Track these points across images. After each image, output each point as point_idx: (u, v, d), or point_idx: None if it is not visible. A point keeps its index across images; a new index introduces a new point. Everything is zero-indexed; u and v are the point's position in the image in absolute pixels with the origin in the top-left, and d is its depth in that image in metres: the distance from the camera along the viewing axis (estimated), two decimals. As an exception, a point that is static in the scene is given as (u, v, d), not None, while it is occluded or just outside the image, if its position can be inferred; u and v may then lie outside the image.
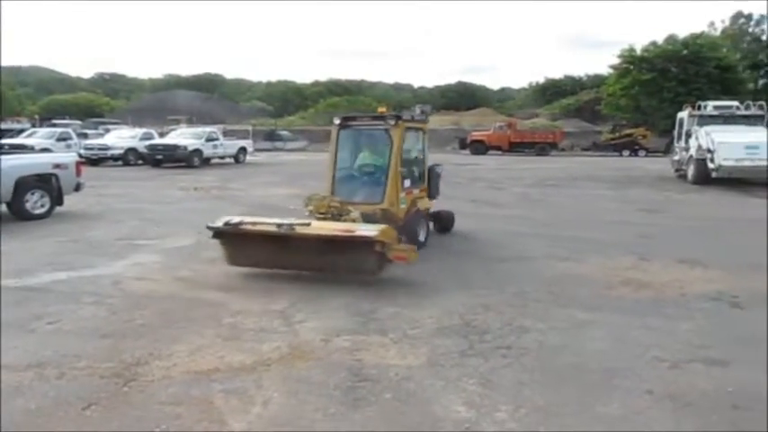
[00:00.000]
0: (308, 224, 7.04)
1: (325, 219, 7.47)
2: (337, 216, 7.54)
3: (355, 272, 6.91)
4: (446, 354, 4.72)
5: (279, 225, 6.91)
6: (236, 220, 7.20)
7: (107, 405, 3.86)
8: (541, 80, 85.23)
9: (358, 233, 6.67)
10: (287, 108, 76.42)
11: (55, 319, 5.52)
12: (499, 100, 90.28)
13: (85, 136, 31.58)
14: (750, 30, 65.98)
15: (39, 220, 11.14)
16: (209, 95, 76.80)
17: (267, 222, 7.16)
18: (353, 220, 7.36)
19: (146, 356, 4.63)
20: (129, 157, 27.69)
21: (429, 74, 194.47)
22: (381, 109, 9.75)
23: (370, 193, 8.50)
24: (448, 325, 5.42)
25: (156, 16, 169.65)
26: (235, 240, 7.22)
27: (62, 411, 3.78)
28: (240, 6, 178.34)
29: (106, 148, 28.04)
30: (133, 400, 3.94)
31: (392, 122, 8.57)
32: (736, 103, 22.23)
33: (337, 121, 8.96)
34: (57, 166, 11.97)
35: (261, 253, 7.12)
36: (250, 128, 38.39)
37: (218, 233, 7.26)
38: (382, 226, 6.86)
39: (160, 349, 4.78)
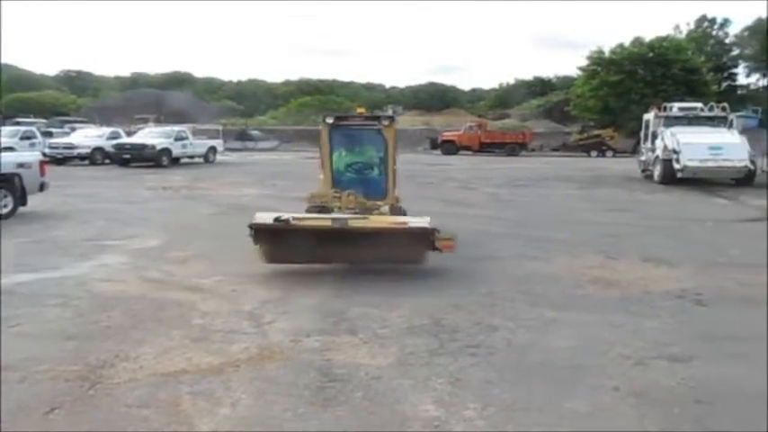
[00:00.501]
0: (366, 218, 7.56)
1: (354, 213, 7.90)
2: (368, 211, 8.06)
3: (405, 261, 7.48)
4: (416, 353, 4.73)
5: (333, 219, 7.31)
6: (285, 216, 7.23)
7: (71, 409, 3.79)
8: (511, 81, 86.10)
9: (412, 225, 7.34)
10: (257, 107, 75.89)
11: (18, 322, 5.40)
12: (470, 100, 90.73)
13: (50, 135, 31.00)
14: (714, 33, 67.50)
15: (1, 221, 10.89)
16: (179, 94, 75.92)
17: (320, 217, 7.55)
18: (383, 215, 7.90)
19: (112, 359, 4.55)
20: (95, 157, 27.21)
21: (401, 74, 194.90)
22: (360, 110, 10.10)
23: (371, 191, 8.81)
24: (418, 324, 5.43)
25: (123, 13, 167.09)
26: (281, 237, 7.19)
27: (25, 416, 3.70)
28: (209, 4, 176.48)
29: (72, 147, 27.54)
30: (99, 403, 3.88)
31: (386, 123, 9.05)
32: (700, 105, 22.73)
33: (330, 121, 9.13)
34: (20, 165, 11.71)
35: (309, 248, 7.15)
36: (220, 127, 37.97)
37: (260, 230, 7.13)
38: (426, 218, 7.49)
39: (126, 351, 4.71)
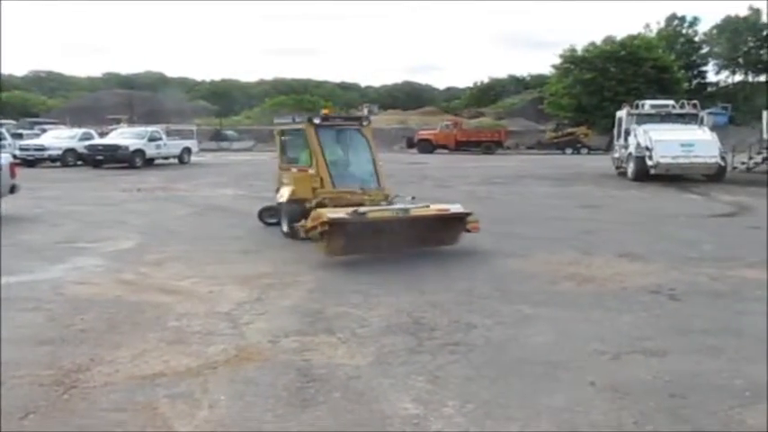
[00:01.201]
0: (427, 206, 8.53)
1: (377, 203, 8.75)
2: (390, 202, 8.93)
3: (446, 243, 8.48)
4: (394, 352, 4.74)
5: (398, 210, 8.24)
6: (362, 210, 7.94)
7: (47, 413, 3.74)
8: (486, 80, 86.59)
9: (452, 211, 8.50)
10: (232, 107, 75.39)
11: (-10, 327, 5.30)
12: (445, 99, 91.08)
13: (20, 136, 30.51)
14: (683, 31, 68.62)
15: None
16: (152, 94, 75.14)
17: (387, 209, 8.35)
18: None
19: (87, 362, 4.49)
20: (67, 158, 26.82)
21: (376, 73, 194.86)
22: (325, 110, 10.73)
23: (368, 185, 9.56)
24: (396, 323, 5.44)
25: (94, 13, 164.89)
26: (355, 229, 7.72)
27: (-2, 422, 3.64)
28: (182, 4, 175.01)
29: (43, 148, 27.12)
30: (74, 407, 3.83)
31: (365, 123, 10.25)
32: (671, 103, 23.09)
33: (317, 121, 9.65)
34: (-10, 167, 11.50)
35: (378, 237, 7.85)
36: (194, 127, 37.65)
37: (334, 224, 7.55)
38: (458, 204, 8.76)
39: (102, 355, 4.65)
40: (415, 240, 8.25)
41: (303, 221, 8.24)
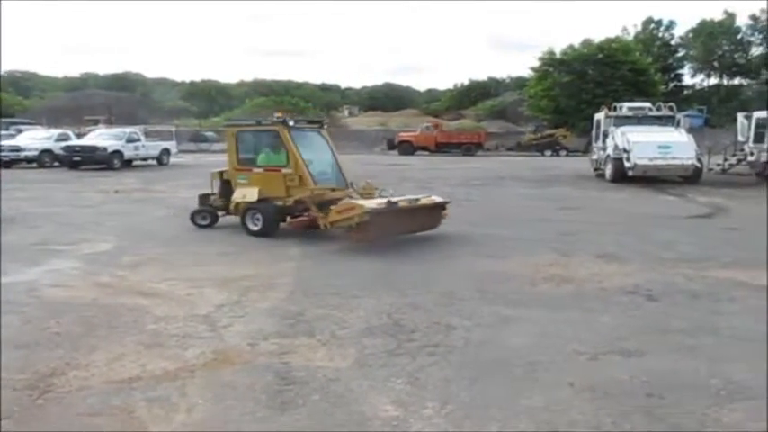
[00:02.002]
0: (430, 197, 9.99)
1: (369, 197, 9.70)
2: (370, 195, 9.85)
3: (434, 227, 9.82)
4: (374, 354, 4.73)
5: (410, 201, 9.48)
6: (394, 199, 9.24)
7: (20, 419, 3.68)
8: (466, 82, 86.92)
9: (438, 200, 9.99)
10: (212, 108, 74.89)
11: (-38, 331, 5.20)
12: (426, 101, 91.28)
13: (-5, 137, 30.00)
14: (660, 35, 69.46)
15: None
16: (130, 95, 74.50)
17: (403, 199, 9.43)
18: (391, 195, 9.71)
19: (62, 366, 4.43)
20: (44, 159, 26.46)
21: (356, 75, 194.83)
22: (279, 113, 11.08)
23: (336, 181, 10.44)
24: (376, 324, 5.44)
25: (72, 13, 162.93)
26: (384, 218, 8.72)
27: (-30, 428, 3.57)
28: (160, 4, 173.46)
29: (19, 149, 26.72)
30: (49, 412, 3.77)
31: (325, 126, 11.13)
32: (648, 105, 23.32)
33: (291, 123, 10.26)
34: (-37, 168, 11.31)
35: (397, 223, 9.07)
36: (173, 128, 37.29)
37: (372, 214, 8.52)
38: (438, 196, 10.24)
39: (78, 358, 4.59)
40: (416, 225, 9.55)
41: (323, 213, 9.26)
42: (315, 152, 10.41)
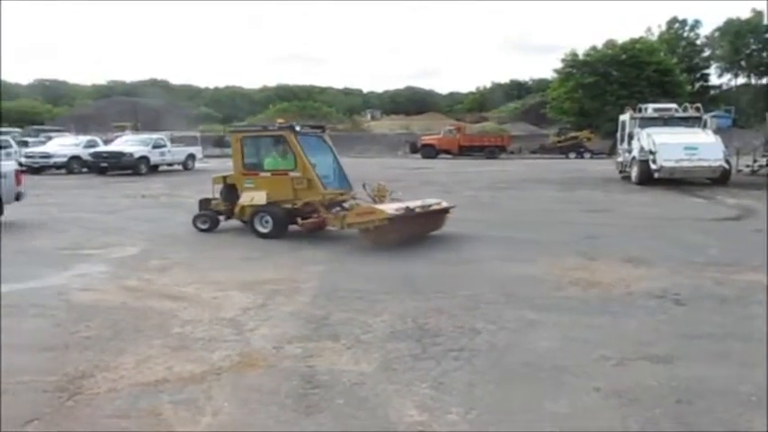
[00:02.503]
0: (440, 203, 10.44)
1: (382, 201, 10.04)
2: (382, 197, 10.18)
3: (438, 228, 10.27)
4: (399, 358, 4.72)
5: (424, 207, 9.86)
6: (412, 205, 9.61)
7: (50, 420, 3.74)
8: (489, 84, 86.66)
9: (444, 205, 10.43)
10: (236, 114, 75.56)
11: (-6, 334, 5.30)
12: (448, 104, 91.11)
13: (26, 144, 30.61)
14: (685, 34, 68.53)
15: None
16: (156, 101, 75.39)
17: (420, 205, 9.82)
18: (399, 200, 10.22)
19: (91, 369, 4.49)
20: (72, 165, 26.93)
21: (378, 79, 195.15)
22: (280, 120, 11.65)
23: (339, 183, 10.80)
24: (401, 329, 5.43)
25: (99, 21, 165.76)
26: (400, 223, 9.12)
27: (2, 428, 3.63)
28: (186, 12, 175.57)
29: (48, 156, 27.22)
30: (78, 414, 3.83)
31: (326, 131, 11.56)
32: (674, 106, 23.01)
33: (298, 128, 10.53)
34: (-5, 175, 11.53)
35: (408, 227, 9.39)
36: (198, 134, 37.67)
37: (391, 219, 8.94)
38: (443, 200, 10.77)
39: (106, 361, 4.65)
40: (425, 228, 9.98)
41: (342, 214, 9.85)
42: (318, 156, 10.70)
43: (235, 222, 11.00)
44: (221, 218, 11.04)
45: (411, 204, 9.63)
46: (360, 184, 10.59)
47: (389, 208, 9.27)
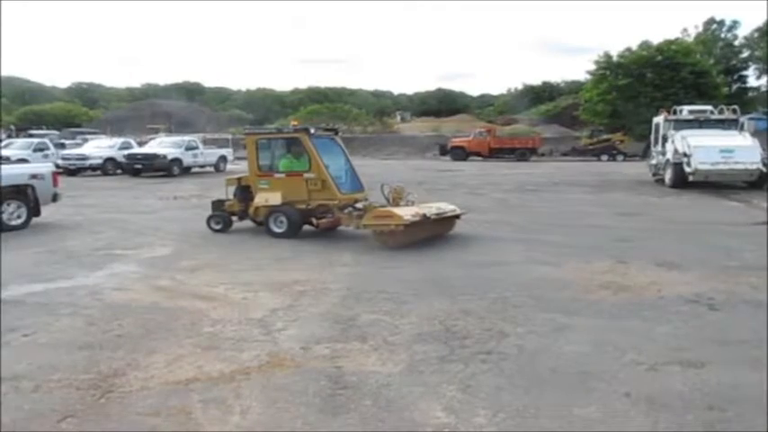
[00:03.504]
0: (454, 209, 10.56)
1: (398, 203, 10.12)
2: (398, 198, 10.28)
3: (447, 232, 10.44)
4: (426, 360, 4.72)
5: (438, 213, 10.03)
6: (428, 212, 9.78)
7: (83, 417, 3.82)
8: (520, 86, 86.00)
9: (458, 211, 10.64)
10: (267, 116, 76.21)
11: (30, 332, 5.43)
12: (479, 106, 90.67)
13: (63, 146, 31.27)
14: (722, 35, 67.14)
15: (16, 232, 10.97)
16: (189, 104, 76.54)
17: (435, 212, 9.99)
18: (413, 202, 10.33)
19: (123, 367, 4.58)
20: (107, 167, 27.42)
21: (409, 81, 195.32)
22: (294, 122, 11.95)
23: (355, 187, 11.02)
24: (428, 331, 5.42)
25: (134, 25, 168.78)
26: (415, 228, 9.36)
27: (37, 424, 3.72)
28: (219, 15, 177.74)
29: (84, 157, 27.75)
30: (110, 411, 3.90)
31: (338, 133, 11.80)
32: (710, 108, 22.59)
33: (312, 131, 10.78)
34: (33, 176, 11.81)
35: (421, 231, 9.59)
36: (230, 136, 38.12)
37: (408, 225, 9.15)
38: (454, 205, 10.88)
39: (138, 360, 4.73)
40: (436, 232, 10.09)
41: (357, 214, 10.11)
42: (331, 157, 10.90)
43: (249, 223, 11.21)
44: (234, 218, 11.29)
45: (427, 211, 9.79)
46: (383, 186, 10.64)
47: (407, 213, 9.39)
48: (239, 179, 11.49)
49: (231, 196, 11.51)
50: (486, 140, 43.11)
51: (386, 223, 9.29)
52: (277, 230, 10.38)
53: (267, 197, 10.60)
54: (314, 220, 10.50)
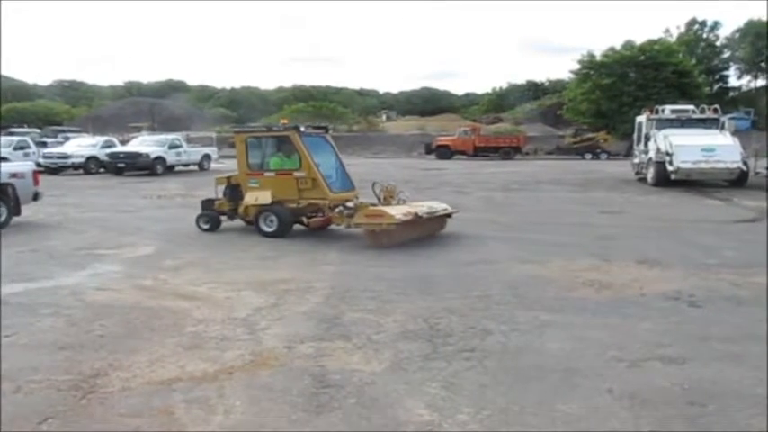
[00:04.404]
0: (446, 208, 10.57)
1: (390, 202, 10.14)
2: (390, 197, 10.31)
3: (439, 231, 10.39)
4: (409, 358, 4.73)
5: (429, 212, 10.01)
6: (420, 211, 9.72)
7: (65, 418, 3.78)
8: (504, 85, 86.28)
9: (450, 210, 10.63)
10: (251, 115, 75.87)
11: (11, 332, 5.37)
12: (464, 105, 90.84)
13: (44, 144, 30.94)
14: (704, 36, 67.83)
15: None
16: (172, 102, 76.00)
17: (427, 211, 9.96)
18: (405, 201, 10.37)
19: (105, 367, 4.54)
20: (89, 166, 27.15)
21: (394, 79, 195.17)
22: (283, 120, 11.95)
23: (345, 186, 10.94)
24: (412, 329, 5.43)
25: (117, 23, 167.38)
26: (407, 228, 9.34)
27: (17, 426, 3.68)
28: (202, 13, 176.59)
29: (66, 156, 27.46)
30: (92, 412, 3.87)
31: (329, 132, 11.62)
32: (692, 107, 22.80)
33: (302, 129, 10.65)
34: (13, 175, 11.67)
35: (412, 231, 9.58)
36: (214, 135, 37.88)
37: (398, 224, 9.13)
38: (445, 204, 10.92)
39: (120, 360, 4.70)
40: (428, 231, 10.05)
41: (348, 213, 9.99)
42: (321, 156, 10.81)
43: (239, 222, 11.13)
44: (223, 218, 11.22)
45: (419, 210, 9.74)
46: (372, 184, 10.66)
47: (398, 212, 9.36)
48: (229, 178, 11.38)
49: (221, 195, 11.42)
50: (470, 139, 43.20)
51: (377, 222, 9.23)
52: (267, 230, 10.29)
53: (257, 196, 10.52)
54: (304, 220, 10.48)
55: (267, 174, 10.72)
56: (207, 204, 11.52)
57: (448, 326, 5.50)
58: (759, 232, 11.34)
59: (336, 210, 10.31)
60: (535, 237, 10.36)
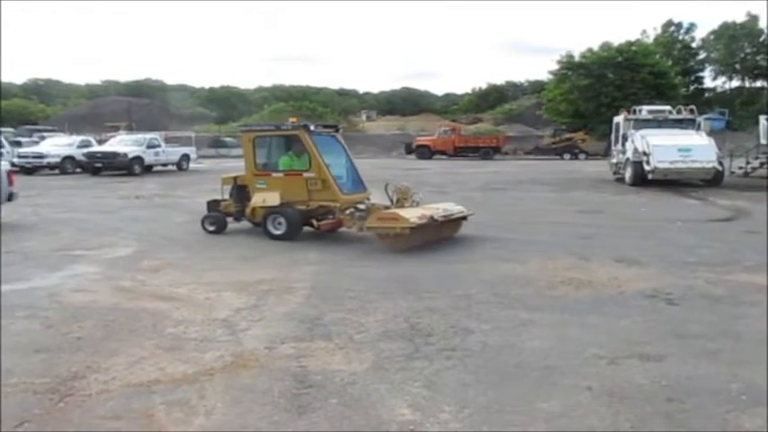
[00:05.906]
0: (462, 210, 10.25)
1: (403, 204, 9.90)
2: (404, 199, 10.07)
3: (454, 233, 10.11)
4: (391, 357, 4.73)
5: (445, 215, 9.67)
6: (435, 214, 9.40)
7: (41, 422, 3.73)
8: (484, 86, 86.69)
9: (466, 213, 10.29)
10: (231, 114, 75.37)
11: (-14, 335, 5.28)
12: (443, 105, 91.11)
13: (19, 144, 30.53)
14: (680, 37, 68.75)
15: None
16: (150, 101, 75.22)
17: (443, 214, 9.63)
18: (418, 203, 10.20)
19: (83, 370, 4.48)
20: (66, 166, 26.81)
21: (374, 79, 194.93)
22: (292, 118, 11.55)
23: (357, 186, 10.68)
24: (393, 329, 5.44)
25: (93, 21, 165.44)
26: (422, 231, 9.03)
27: (-7, 430, 3.63)
28: (180, 12, 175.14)
29: (41, 156, 27.09)
30: (69, 415, 3.81)
31: (340, 131, 11.23)
32: (668, 108, 23.11)
33: (312, 128, 10.32)
34: (-14, 175, 11.49)
35: (427, 234, 9.25)
36: (193, 134, 37.61)
37: (414, 228, 8.82)
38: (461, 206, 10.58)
39: (98, 362, 4.64)
40: (443, 235, 9.78)
41: (359, 215, 9.80)
42: (332, 156, 10.43)
43: (236, 224, 10.97)
44: (229, 220, 10.90)
45: (434, 213, 9.39)
46: (380, 185, 10.50)
47: (413, 216, 9.03)
48: (235, 178, 10.98)
49: (227, 196, 11.09)
50: (450, 139, 43.41)
51: (391, 226, 8.91)
52: (275, 232, 9.94)
53: (265, 197, 10.13)
54: (314, 222, 10.16)
55: (275, 174, 10.35)
56: (213, 205, 11.20)
57: (429, 325, 5.52)
58: (734, 231, 11.52)
59: (347, 212, 10.03)
60: (515, 236, 10.42)
